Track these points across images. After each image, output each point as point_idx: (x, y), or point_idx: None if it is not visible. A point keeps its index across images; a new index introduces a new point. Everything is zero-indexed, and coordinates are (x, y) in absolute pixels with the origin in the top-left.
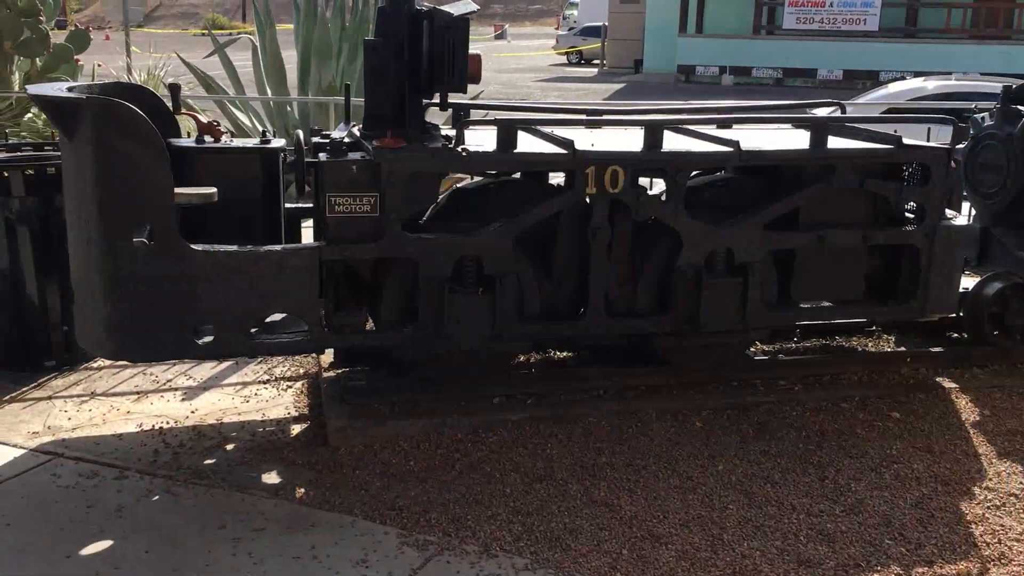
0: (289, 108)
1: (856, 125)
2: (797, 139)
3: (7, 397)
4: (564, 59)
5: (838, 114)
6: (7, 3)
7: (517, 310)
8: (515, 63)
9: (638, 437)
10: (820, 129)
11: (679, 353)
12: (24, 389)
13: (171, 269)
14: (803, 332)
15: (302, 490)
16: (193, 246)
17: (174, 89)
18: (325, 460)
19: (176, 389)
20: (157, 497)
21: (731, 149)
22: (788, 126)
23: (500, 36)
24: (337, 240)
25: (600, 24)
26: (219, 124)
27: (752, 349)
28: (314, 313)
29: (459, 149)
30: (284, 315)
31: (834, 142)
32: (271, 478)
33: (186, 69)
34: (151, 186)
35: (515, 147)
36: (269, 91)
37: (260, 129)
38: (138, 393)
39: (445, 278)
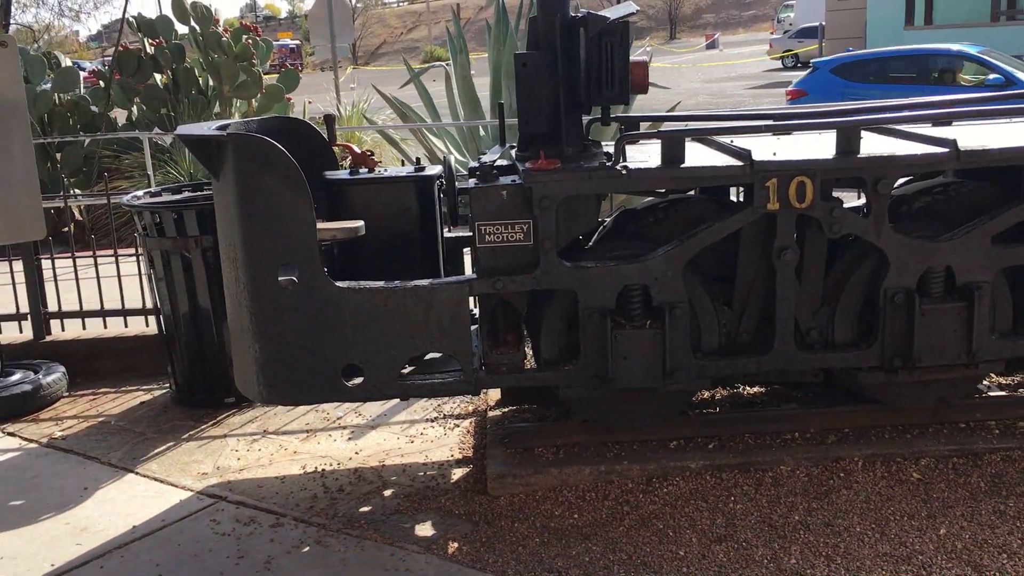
0: (483, 132)
1: None
2: None
3: (186, 435)
4: (779, 64)
5: None
6: (224, 49)
7: (692, 344)
8: (725, 72)
9: (840, 490)
10: None
11: (890, 391)
12: (203, 426)
13: (317, 309)
14: None
15: (455, 544)
16: (339, 284)
17: (329, 120)
18: (483, 510)
19: (344, 428)
20: (307, 549)
21: (945, 150)
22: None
23: (711, 45)
24: (489, 272)
25: (817, 24)
26: (373, 154)
27: (986, 382)
28: (466, 352)
29: (618, 167)
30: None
31: None
32: (425, 530)
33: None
34: (293, 223)
35: (682, 161)
36: (462, 117)
37: (453, 155)
38: (307, 432)
39: (608, 310)
